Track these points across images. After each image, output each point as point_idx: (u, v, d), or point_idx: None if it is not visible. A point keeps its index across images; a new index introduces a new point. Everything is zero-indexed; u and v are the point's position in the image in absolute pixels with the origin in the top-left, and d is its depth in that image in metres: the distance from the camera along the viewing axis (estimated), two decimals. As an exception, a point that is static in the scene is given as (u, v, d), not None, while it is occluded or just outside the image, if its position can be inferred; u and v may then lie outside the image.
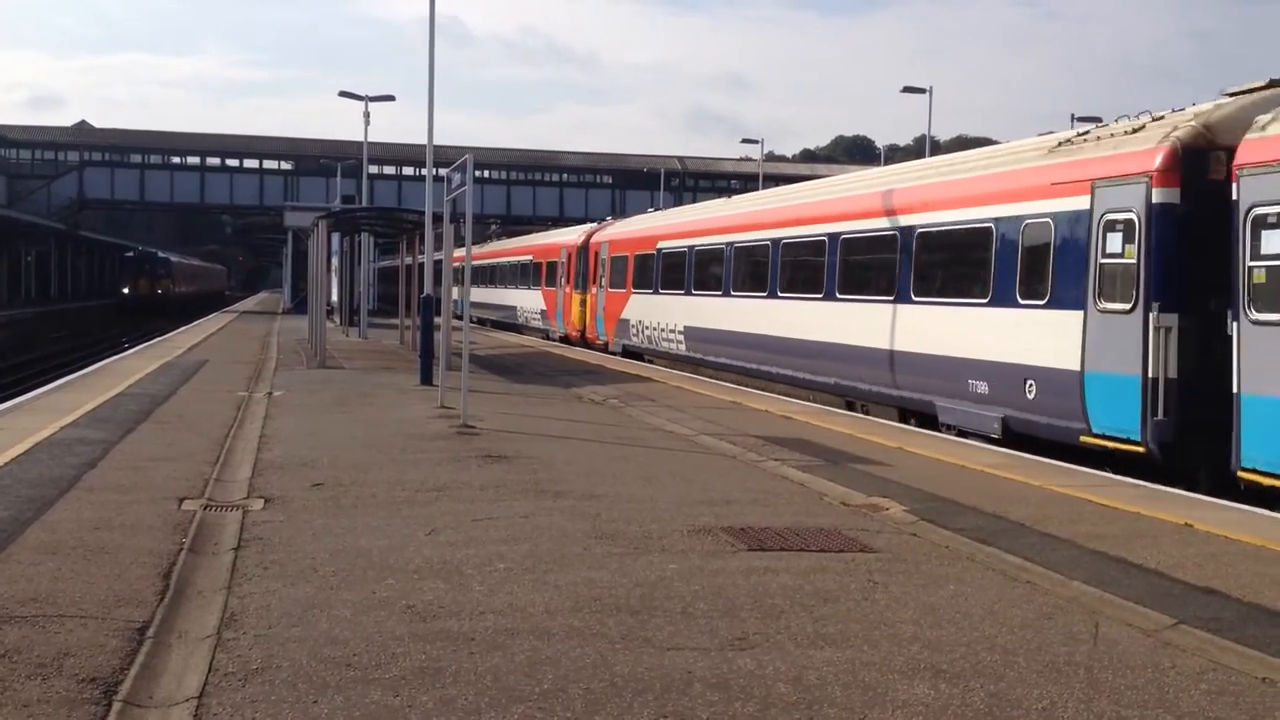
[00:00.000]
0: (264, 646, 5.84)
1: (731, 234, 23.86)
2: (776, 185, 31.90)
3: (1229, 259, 11.10)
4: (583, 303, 34.74)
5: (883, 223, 17.63)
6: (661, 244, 27.90)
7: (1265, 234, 10.77)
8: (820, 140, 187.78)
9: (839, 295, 18.82)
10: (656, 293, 27.90)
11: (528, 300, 43.11)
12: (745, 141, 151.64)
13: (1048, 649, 6.09)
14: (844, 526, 9.13)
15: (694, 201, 40.04)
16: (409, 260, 33.92)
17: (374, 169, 66.52)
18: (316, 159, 75.39)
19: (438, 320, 22.92)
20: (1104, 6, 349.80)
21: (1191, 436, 11.88)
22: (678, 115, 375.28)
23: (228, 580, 7.16)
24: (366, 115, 46.92)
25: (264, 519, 9.00)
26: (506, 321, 47.04)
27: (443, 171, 18.41)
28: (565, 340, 36.77)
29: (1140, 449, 12.18)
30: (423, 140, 22.95)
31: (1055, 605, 6.97)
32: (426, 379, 20.78)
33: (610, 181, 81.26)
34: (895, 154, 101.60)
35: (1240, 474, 10.98)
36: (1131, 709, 5.24)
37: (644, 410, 17.30)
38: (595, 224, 37.83)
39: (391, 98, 47.39)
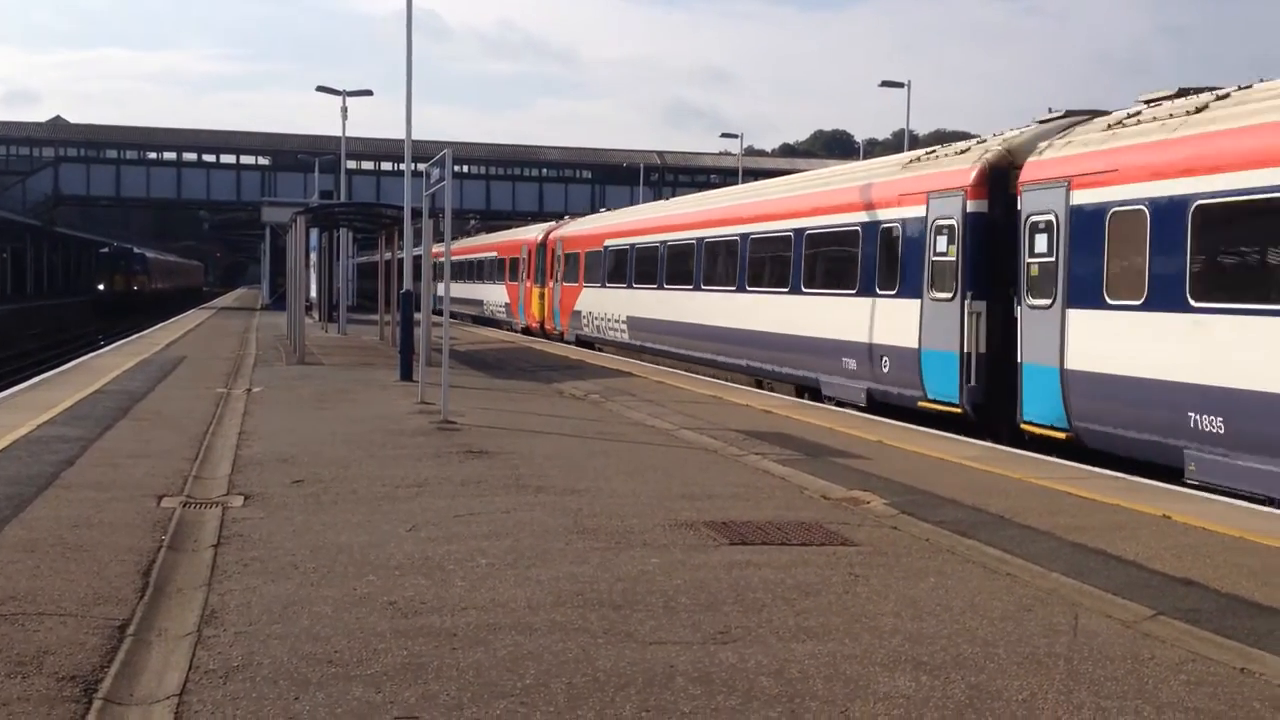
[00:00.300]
0: (245, 644, 5.82)
1: (665, 233, 26.84)
2: (756, 179, 32.43)
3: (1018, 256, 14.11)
4: (541, 296, 37.53)
5: (781, 225, 20.54)
6: (608, 242, 30.75)
7: (1036, 237, 13.80)
8: (799, 135, 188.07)
9: (748, 288, 21.84)
10: (604, 286, 30.78)
11: (494, 294, 46.04)
12: (725, 136, 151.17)
13: (1028, 641, 6.13)
14: (825, 520, 9.15)
15: (674, 196, 41.12)
16: (388, 256, 33.83)
17: (352, 164, 66.31)
18: (294, 154, 75.10)
19: (418, 316, 22.86)
20: (1082, 2, 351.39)
21: (995, 398, 14.70)
22: (657, 110, 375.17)
23: (208, 577, 7.14)
24: (344, 110, 46.77)
25: (244, 516, 8.96)
26: (476, 315, 48.23)
27: (422, 166, 18.35)
28: (526, 331, 39.15)
29: (959, 410, 15.08)
30: (401, 135, 22.85)
31: (1035, 597, 7.00)
32: (406, 375, 20.74)
33: (590, 176, 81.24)
34: (874, 148, 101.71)
35: (1023, 426, 14.00)
36: (1111, 700, 5.27)
37: (625, 405, 17.31)
38: (554, 223, 40.22)
39: (369, 92, 47.30)
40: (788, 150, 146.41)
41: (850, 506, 9.75)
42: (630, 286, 28.74)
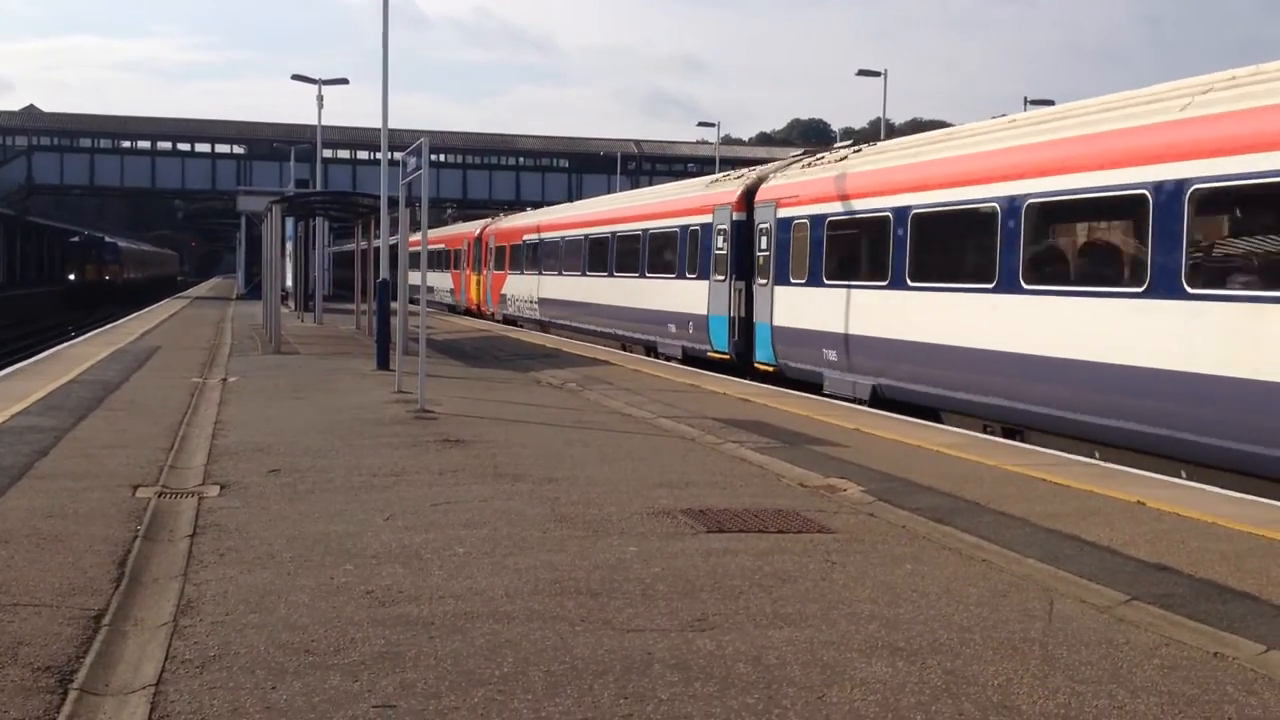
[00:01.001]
0: (221, 633, 5.80)
1: (563, 230, 33.90)
2: (733, 168, 33.08)
3: (752, 250, 21.05)
4: (478, 282, 45.08)
5: (635, 226, 27.81)
6: (525, 236, 37.74)
7: (761, 238, 20.67)
8: (776, 124, 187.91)
9: (615, 274, 28.84)
10: (522, 273, 37.83)
11: (442, 281, 52.88)
12: (701, 125, 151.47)
13: (1003, 626, 6.16)
14: (802, 508, 9.18)
15: (651, 184, 42.19)
16: (365, 245, 33.70)
17: (328, 153, 66.01)
18: (270, 143, 74.69)
19: (394, 305, 22.78)
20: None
21: (749, 348, 21.20)
22: (634, 98, 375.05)
23: (184, 567, 7.11)
24: (320, 99, 46.61)
25: (220, 505, 8.93)
26: (431, 300, 51.75)
27: (398, 155, 18.27)
28: (467, 312, 46.52)
29: (729, 357, 21.88)
30: (378, 124, 22.78)
31: (1010, 583, 7.05)
32: (383, 364, 20.69)
33: (567, 165, 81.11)
34: (850, 137, 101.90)
35: (756, 365, 20.82)
36: (1086, 684, 5.31)
37: (602, 394, 17.31)
38: (489, 219, 47.38)
39: (345, 81, 47.03)
40: (765, 139, 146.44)
41: (827, 494, 9.78)
42: (540, 274, 35.53)
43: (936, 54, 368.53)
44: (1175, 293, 11.32)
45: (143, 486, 9.63)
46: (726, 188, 23.05)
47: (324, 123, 48.55)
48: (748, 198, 21.61)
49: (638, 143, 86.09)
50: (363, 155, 75.30)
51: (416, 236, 57.42)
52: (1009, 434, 14.00)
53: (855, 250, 17.85)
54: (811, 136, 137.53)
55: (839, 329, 17.56)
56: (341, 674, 5.25)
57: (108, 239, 79.38)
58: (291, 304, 44.63)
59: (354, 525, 8.25)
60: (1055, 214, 13.59)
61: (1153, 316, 11.59)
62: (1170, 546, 7.94)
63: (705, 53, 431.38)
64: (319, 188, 50.01)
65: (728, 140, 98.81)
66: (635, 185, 61.51)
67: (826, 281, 18.11)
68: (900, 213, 16.07)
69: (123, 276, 78.26)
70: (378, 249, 25.22)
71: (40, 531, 7.84)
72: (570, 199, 49.32)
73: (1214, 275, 11.24)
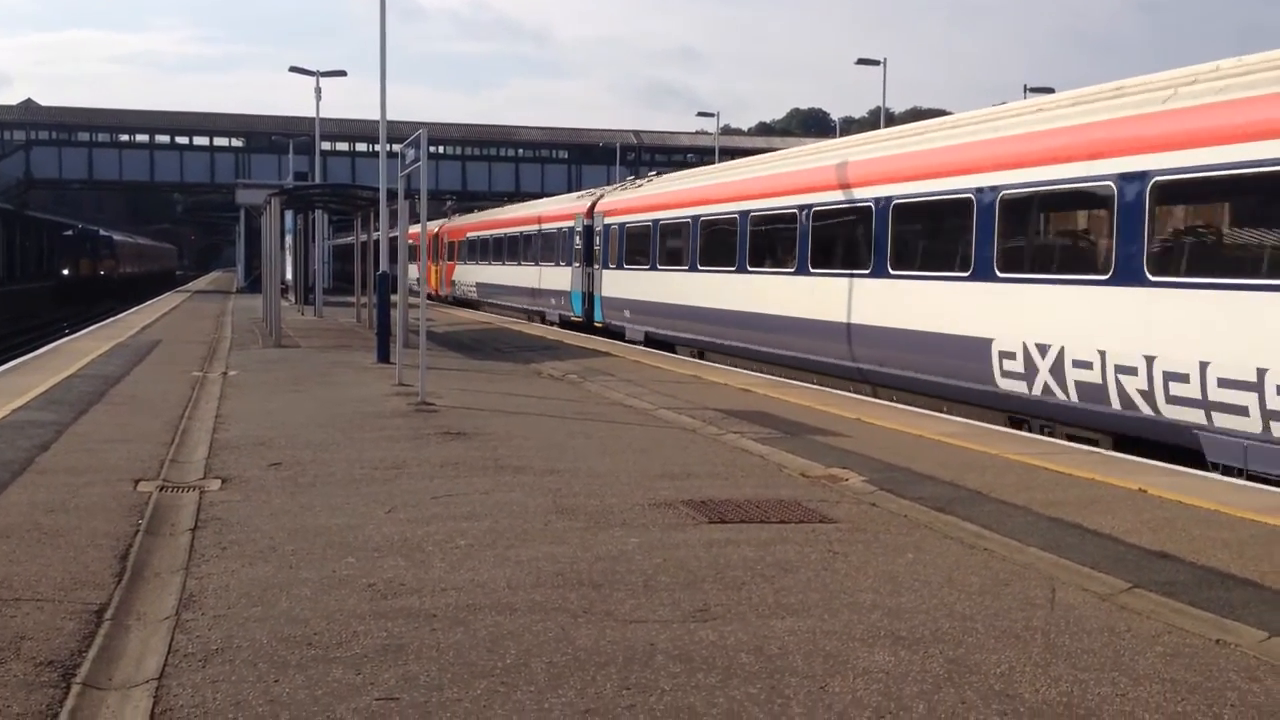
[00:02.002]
0: (223, 627, 5.80)
1: (491, 230, 43.89)
2: (732, 158, 33.59)
3: (593, 246, 29.83)
4: (436, 270, 54.57)
5: (530, 228, 37.50)
6: (468, 234, 47.67)
7: (596, 237, 29.75)
8: (776, 113, 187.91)
9: (522, 262, 38.48)
10: (464, 263, 48.19)
11: (413, 271, 60.03)
12: (701, 115, 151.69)
13: (1005, 615, 6.16)
14: (804, 498, 9.18)
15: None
16: (364, 237, 33.68)
17: (327, 145, 65.84)
18: (268, 136, 74.67)
19: (394, 297, 22.76)
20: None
21: (593, 314, 29.71)
22: (632, 89, 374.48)
23: (186, 561, 7.11)
24: (318, 91, 46.49)
25: (221, 499, 8.93)
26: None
27: (397, 147, 18.24)
28: (429, 296, 52.89)
29: (581, 320, 30.71)
30: (376, 116, 22.75)
31: (1012, 571, 7.04)
32: (384, 357, 20.69)
33: (566, 157, 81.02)
34: (851, 126, 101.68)
35: (594, 325, 29.35)
36: (1088, 672, 5.31)
37: (603, 385, 17.30)
38: (446, 219, 56.47)
39: (343, 73, 47.06)
40: (765, 129, 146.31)
41: (829, 484, 9.78)
42: (477, 263, 45.57)
43: (936, 43, 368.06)
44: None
45: (144, 481, 9.63)
46: (583, 203, 32.07)
47: (322, 115, 48.45)
48: (594, 209, 30.49)
49: (637, 133, 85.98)
50: (361, 147, 75.21)
51: (414, 229, 58.11)
52: (700, 354, 23.29)
53: (638, 245, 27.06)
54: (811, 126, 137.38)
55: (630, 297, 27.39)
56: (344, 666, 5.25)
57: (102, 232, 78.07)
58: (291, 297, 44.60)
59: (355, 518, 8.25)
60: (714, 224, 22.63)
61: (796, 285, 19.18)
62: (1172, 534, 7.94)
63: (703, 43, 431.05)
64: (318, 180, 49.97)
65: (727, 130, 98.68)
66: (635, 176, 61.63)
67: (625, 266, 27.85)
68: (656, 222, 25.91)
69: (118, 271, 77.02)
70: (377, 241, 25.20)
71: (42, 526, 7.85)
72: (571, 190, 49.73)
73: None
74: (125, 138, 75.77)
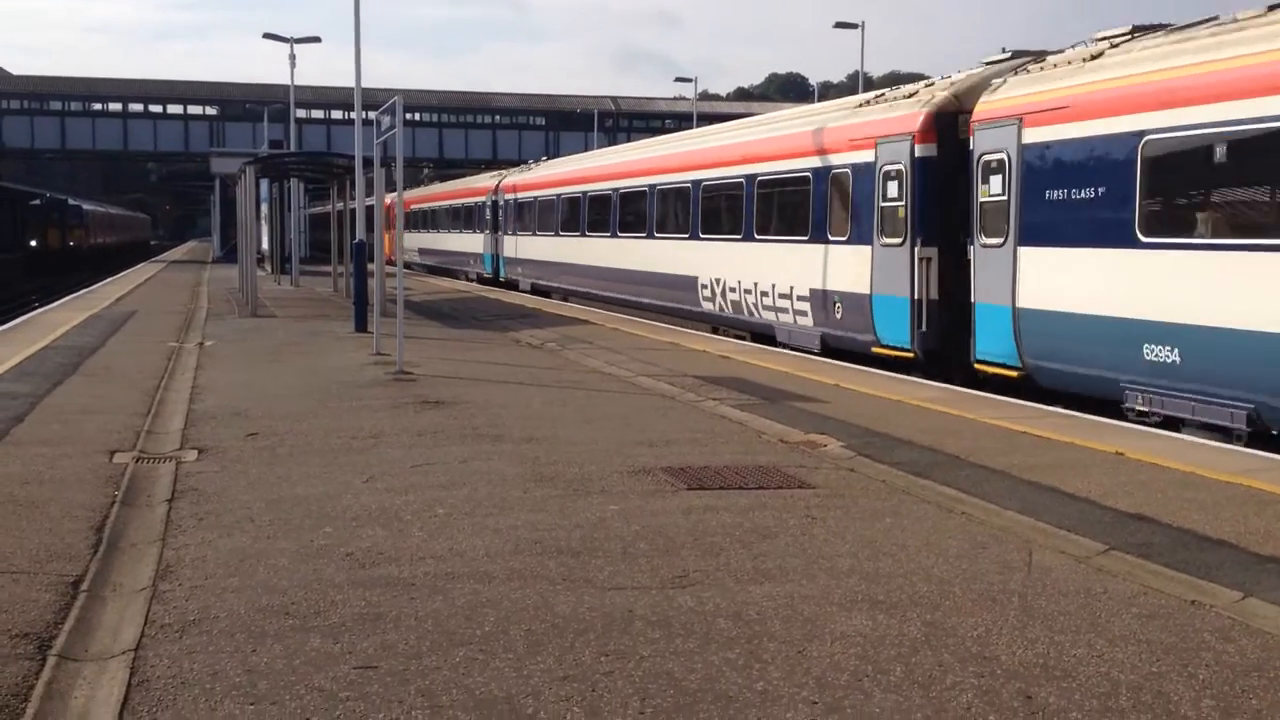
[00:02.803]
0: (200, 597, 5.78)
1: (425, 203, 51.55)
2: (709, 124, 33.40)
3: (498, 217, 38.57)
4: (388, 238, 61.28)
5: (447, 203, 45.57)
6: (411, 206, 52.36)
7: (500, 210, 38.45)
8: (754, 78, 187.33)
9: (448, 231, 45.88)
10: (409, 232, 52.34)
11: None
12: (679, 80, 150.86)
13: (982, 578, 6.19)
14: (782, 464, 9.19)
15: (629, 141, 44.69)
16: (340, 206, 33.47)
17: (302, 113, 65.42)
18: (243, 104, 73.91)
19: (372, 266, 22.68)
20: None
21: (499, 271, 38.27)
22: (609, 54, 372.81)
23: (162, 532, 7.07)
24: (292, 58, 46.09)
25: (198, 470, 8.88)
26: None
27: (373, 115, 18.10)
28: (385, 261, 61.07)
29: (491, 277, 38.65)
30: (351, 83, 22.55)
31: (990, 535, 7.07)
32: (361, 326, 20.59)
33: (543, 123, 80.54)
34: (829, 90, 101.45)
35: (500, 280, 37.71)
36: (1065, 634, 5.34)
37: (581, 353, 17.27)
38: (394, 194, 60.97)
39: (317, 39, 46.57)
40: (743, 94, 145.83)
41: (807, 450, 9.79)
42: (416, 231, 52.21)
43: (915, 6, 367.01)
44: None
45: (120, 452, 9.57)
46: (492, 181, 38.97)
47: (297, 82, 48.07)
48: (498, 188, 37.20)
49: (615, 99, 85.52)
50: (337, 115, 74.51)
51: (390, 198, 58.69)
52: (564, 298, 30.00)
53: (527, 216, 34.46)
54: (790, 92, 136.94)
55: (522, 257, 34.46)
56: (322, 636, 5.24)
57: (71, 201, 75.24)
58: (268, 267, 44.35)
59: (333, 488, 8.22)
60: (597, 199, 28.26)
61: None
62: (1148, 497, 7.99)
63: (680, 6, 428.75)
64: (293, 148, 49.66)
65: (705, 96, 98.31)
66: (613, 142, 61.44)
67: (518, 233, 35.16)
68: (536, 199, 32.84)
69: (89, 241, 74.36)
70: (354, 210, 25.05)
71: (16, 498, 7.79)
72: (548, 156, 49.88)
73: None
74: (98, 106, 74.82)
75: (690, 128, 38.90)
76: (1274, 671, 4.91)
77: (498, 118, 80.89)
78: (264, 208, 45.59)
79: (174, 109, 74.71)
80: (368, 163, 24.16)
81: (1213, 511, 7.56)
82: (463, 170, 65.14)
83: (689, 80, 66.34)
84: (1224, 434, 10.54)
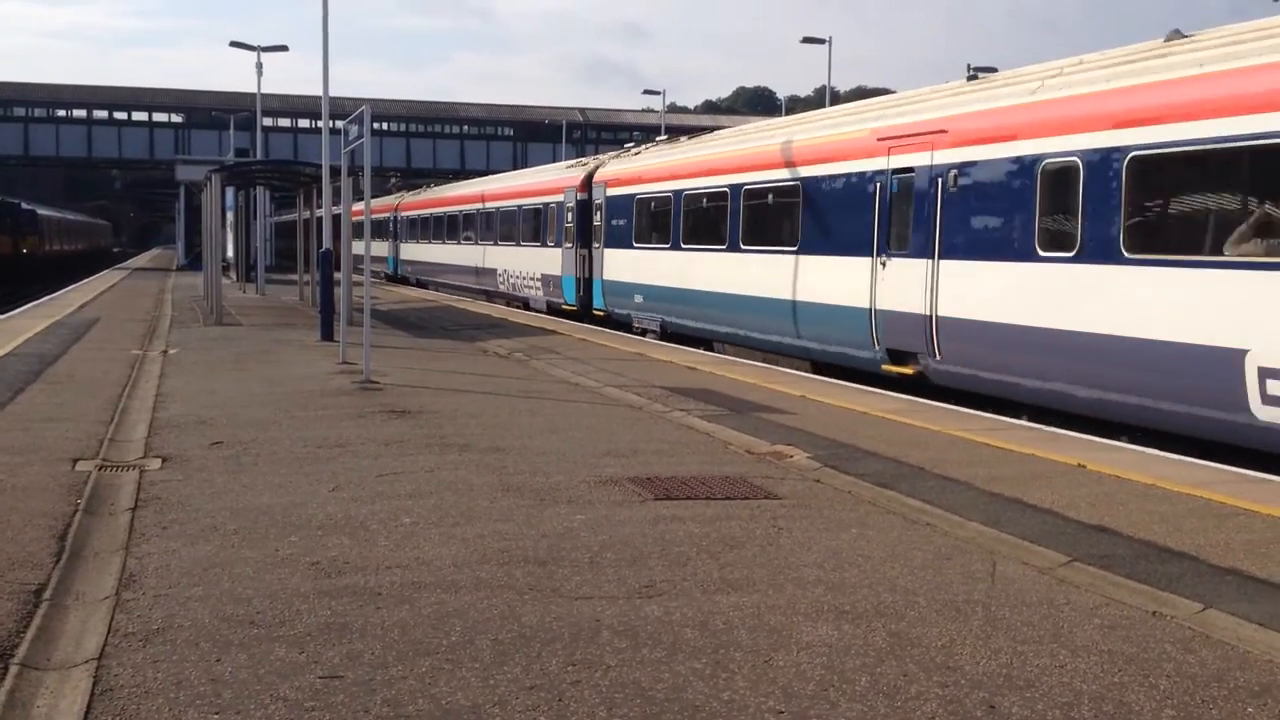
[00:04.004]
0: (164, 606, 5.74)
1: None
2: (680, 136, 33.39)
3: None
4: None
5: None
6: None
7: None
8: (722, 91, 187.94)
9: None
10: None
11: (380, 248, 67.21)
12: (647, 92, 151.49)
13: (947, 589, 6.23)
14: (749, 474, 9.22)
15: (597, 153, 43.44)
16: (307, 214, 33.33)
17: (269, 121, 65.10)
18: (209, 111, 73.43)
19: (338, 275, 22.59)
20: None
21: (396, 269, 51.54)
22: (577, 66, 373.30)
23: (125, 541, 7.02)
24: (259, 66, 45.83)
25: (161, 478, 8.82)
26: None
27: (340, 123, 18.05)
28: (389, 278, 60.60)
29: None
30: (319, 91, 22.47)
31: (954, 546, 7.12)
32: (327, 335, 20.51)
33: (512, 134, 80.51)
34: (796, 104, 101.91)
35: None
36: (1028, 644, 5.38)
37: (549, 363, 17.27)
38: (402, 194, 60.75)
39: (285, 48, 46.26)
40: (711, 107, 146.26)
41: (774, 460, 9.83)
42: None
43: (881, 20, 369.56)
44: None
45: (83, 460, 9.49)
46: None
47: (264, 90, 47.82)
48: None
49: (583, 111, 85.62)
50: (304, 123, 74.28)
51: (357, 206, 58.22)
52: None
53: (418, 229, 46.48)
54: (758, 104, 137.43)
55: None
56: (287, 645, 5.21)
57: (24, 206, 71.26)
58: (233, 275, 44.09)
59: (299, 497, 8.18)
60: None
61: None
62: (1110, 508, 8.06)
63: (648, 19, 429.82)
64: (259, 157, 49.39)
65: (673, 108, 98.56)
66: (581, 154, 61.65)
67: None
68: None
69: (44, 249, 69.38)
70: (320, 218, 24.95)
71: (-23, 506, 7.71)
72: (515, 167, 49.98)
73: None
74: (62, 113, 74.16)
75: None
76: (1234, 682, 4.97)
77: (465, 128, 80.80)
78: (229, 216, 45.36)
79: (139, 116, 74.19)
80: (335, 171, 24.07)
81: (1173, 523, 7.65)
82: (446, 173, 65.08)
83: (657, 93, 66.52)
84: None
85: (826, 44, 49.71)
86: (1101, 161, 11.52)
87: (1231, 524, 7.67)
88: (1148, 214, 11.42)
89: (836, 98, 56.14)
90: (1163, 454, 10.38)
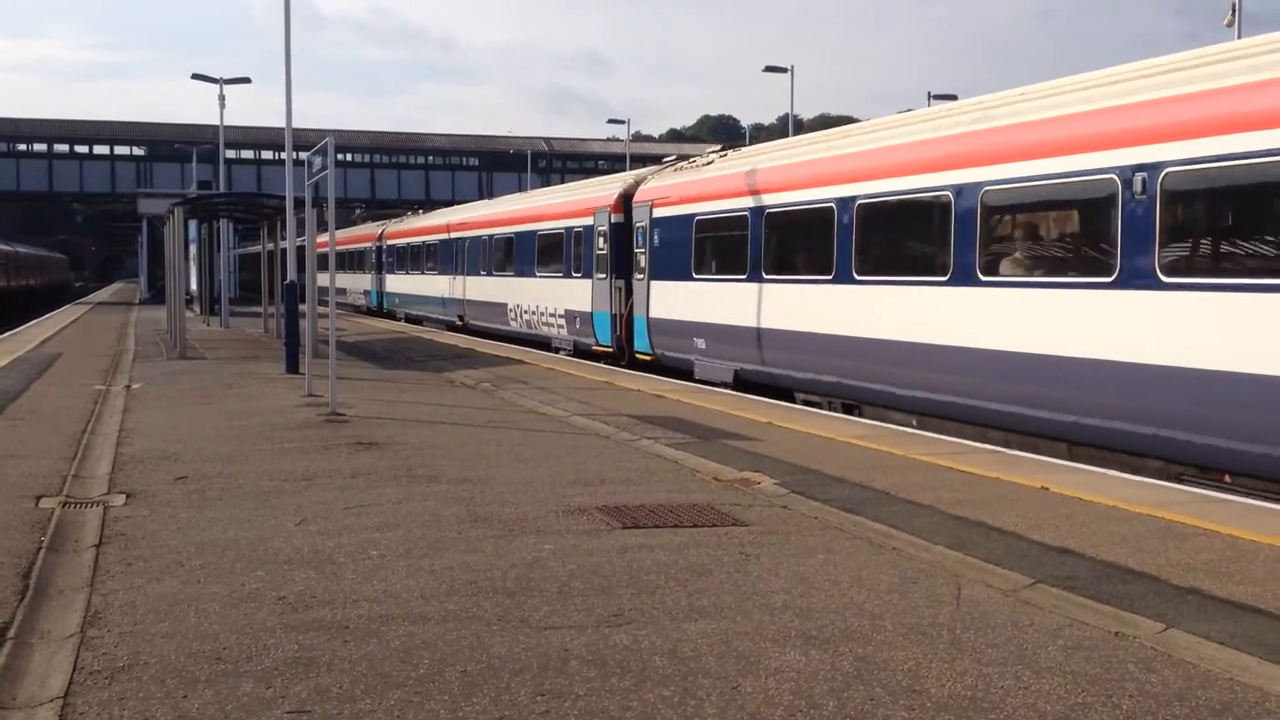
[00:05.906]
0: (130, 644, 5.71)
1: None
2: (645, 165, 33.49)
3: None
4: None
5: (354, 246, 54.18)
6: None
7: (382, 255, 47.40)
8: (686, 120, 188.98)
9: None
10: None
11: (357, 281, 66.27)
12: (612, 122, 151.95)
13: (913, 612, 6.28)
14: (717, 502, 9.26)
15: (563, 182, 43.76)
16: (270, 246, 33.22)
17: (231, 154, 64.90)
18: (171, 144, 73.23)
19: (302, 307, 22.52)
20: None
21: (380, 302, 49.54)
22: (539, 96, 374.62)
23: (90, 578, 6.97)
24: (221, 98, 45.84)
25: (126, 515, 8.77)
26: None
27: (303, 155, 18.05)
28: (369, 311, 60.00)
29: (374, 308, 49.31)
30: (282, 123, 22.48)
31: (919, 570, 7.18)
32: (293, 367, 20.43)
33: (476, 164, 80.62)
34: (760, 133, 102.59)
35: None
36: (993, 666, 5.43)
37: (516, 393, 17.27)
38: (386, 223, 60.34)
39: (247, 80, 46.27)
40: (676, 135, 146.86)
41: (742, 487, 9.87)
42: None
43: (843, 49, 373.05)
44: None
45: (46, 497, 9.41)
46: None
47: (226, 123, 47.74)
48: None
49: (548, 140, 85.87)
50: (267, 155, 74.17)
51: (323, 238, 58.32)
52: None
53: (406, 258, 43.87)
54: (722, 133, 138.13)
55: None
56: (254, 681, 5.19)
57: None
58: (197, 308, 43.86)
59: (265, 531, 8.15)
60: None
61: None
62: (1073, 530, 8.15)
63: (609, 49, 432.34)
64: (222, 189, 49.22)
65: (638, 137, 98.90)
66: (547, 183, 61.74)
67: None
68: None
69: None
70: (285, 250, 24.88)
71: (-61, 545, 7.63)
72: (481, 197, 49.93)
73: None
74: (22, 147, 73.76)
75: (624, 169, 38.72)
76: (1195, 701, 5.03)
77: (430, 158, 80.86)
78: (193, 248, 45.15)
79: (100, 149, 73.90)
80: (299, 203, 24.04)
81: (1135, 544, 7.74)
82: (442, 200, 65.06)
83: (621, 122, 66.89)
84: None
85: (789, 73, 50.17)
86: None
87: (1191, 544, 7.77)
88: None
89: (800, 126, 56.53)
90: (1124, 475, 10.50)
